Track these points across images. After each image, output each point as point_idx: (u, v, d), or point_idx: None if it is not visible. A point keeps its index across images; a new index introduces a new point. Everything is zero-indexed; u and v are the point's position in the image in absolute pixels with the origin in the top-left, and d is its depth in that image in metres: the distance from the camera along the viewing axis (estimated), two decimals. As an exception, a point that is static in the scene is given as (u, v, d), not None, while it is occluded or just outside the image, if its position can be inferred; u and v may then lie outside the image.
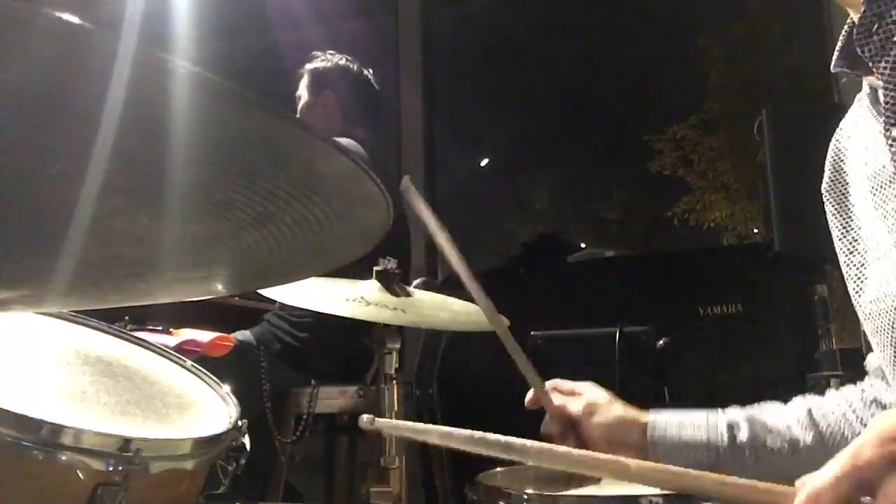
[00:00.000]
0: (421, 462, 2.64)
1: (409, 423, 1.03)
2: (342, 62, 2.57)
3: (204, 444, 0.98)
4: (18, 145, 0.40)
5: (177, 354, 1.26)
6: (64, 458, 0.82)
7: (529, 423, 1.13)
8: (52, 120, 0.37)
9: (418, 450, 2.62)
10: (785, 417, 1.00)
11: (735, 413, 1.02)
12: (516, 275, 3.76)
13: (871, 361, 1.01)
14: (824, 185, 1.01)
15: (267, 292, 1.50)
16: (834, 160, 0.99)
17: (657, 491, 1.00)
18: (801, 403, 1.02)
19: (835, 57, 0.87)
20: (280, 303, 2.19)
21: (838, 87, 2.88)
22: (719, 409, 1.03)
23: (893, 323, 0.84)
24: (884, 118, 0.81)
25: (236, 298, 2.47)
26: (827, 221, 1.01)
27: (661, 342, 2.49)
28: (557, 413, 1.06)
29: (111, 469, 0.84)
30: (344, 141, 2.38)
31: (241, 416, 1.08)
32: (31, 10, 0.29)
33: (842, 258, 0.97)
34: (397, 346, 1.55)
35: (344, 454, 2.50)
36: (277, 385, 2.22)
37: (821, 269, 2.33)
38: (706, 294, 2.99)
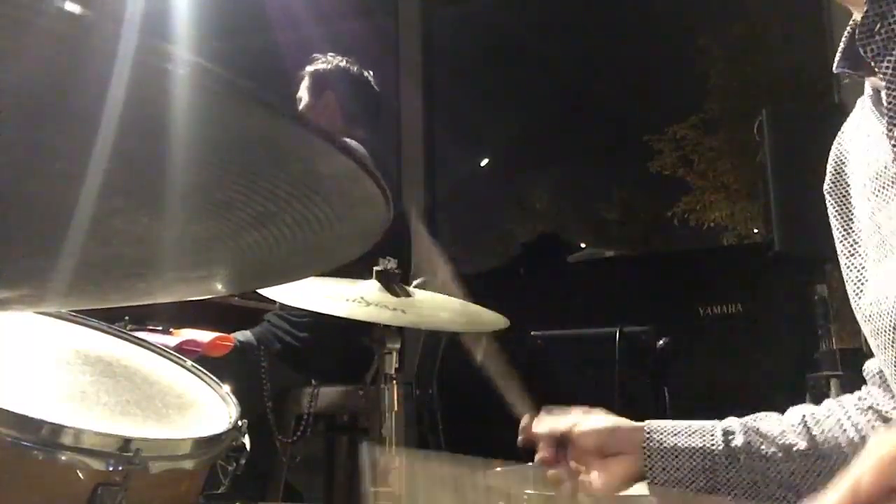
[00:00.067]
0: (421, 462, 2.64)
1: None
2: (342, 64, 2.58)
3: (204, 444, 0.98)
4: (18, 145, 0.40)
5: (177, 354, 1.26)
6: (64, 458, 0.82)
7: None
8: (52, 120, 0.37)
9: (418, 449, 2.62)
10: (780, 424, 1.00)
11: (732, 421, 1.02)
12: (516, 275, 3.76)
13: (870, 367, 1.01)
14: (826, 185, 1.00)
15: (267, 292, 1.50)
16: (835, 162, 0.99)
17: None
18: (797, 411, 1.02)
19: (837, 57, 0.87)
20: (280, 303, 2.20)
21: (838, 87, 2.88)
22: (716, 419, 1.02)
23: (894, 325, 0.84)
24: (886, 119, 0.80)
25: (236, 298, 2.47)
26: (827, 221, 1.01)
27: (661, 342, 2.49)
28: (547, 436, 1.06)
29: (111, 469, 0.85)
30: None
31: (241, 416, 1.08)
32: (31, 10, 0.29)
33: (843, 260, 0.97)
34: (397, 346, 1.55)
35: (344, 454, 2.50)
36: (278, 385, 2.22)
37: (821, 269, 2.33)
38: (706, 294, 2.99)
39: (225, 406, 1.13)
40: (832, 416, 0.99)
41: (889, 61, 0.78)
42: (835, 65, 0.88)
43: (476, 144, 12.04)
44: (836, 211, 0.98)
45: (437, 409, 2.64)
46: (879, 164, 0.85)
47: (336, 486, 2.50)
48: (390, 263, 1.53)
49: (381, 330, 1.53)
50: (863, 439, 0.95)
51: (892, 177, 0.83)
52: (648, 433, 1.00)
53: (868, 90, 0.89)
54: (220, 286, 0.68)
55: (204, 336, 1.85)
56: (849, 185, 0.96)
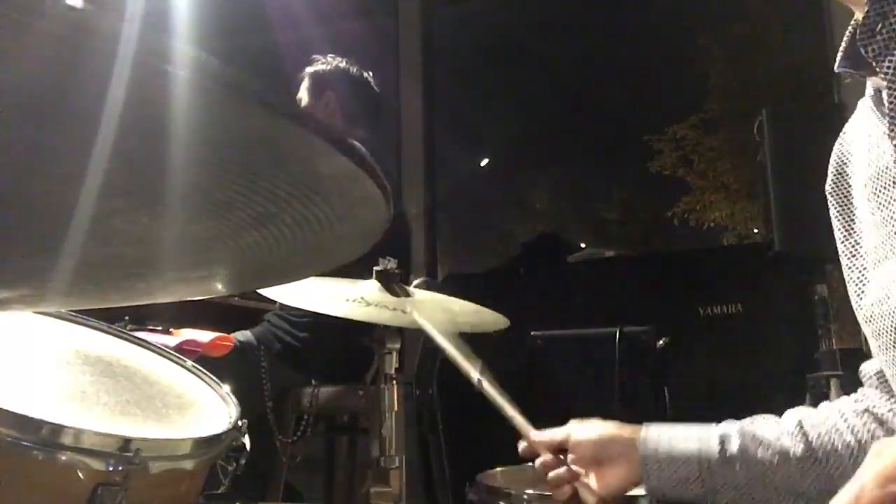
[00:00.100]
0: (421, 462, 2.64)
1: None
2: (342, 65, 2.59)
3: (204, 444, 0.98)
4: (19, 145, 0.40)
5: (177, 354, 1.26)
6: (64, 458, 0.82)
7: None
8: (53, 120, 0.37)
9: (418, 449, 2.62)
10: (776, 429, 0.99)
11: (727, 426, 1.01)
12: (516, 275, 3.76)
13: (866, 369, 1.01)
14: (828, 186, 1.00)
15: (267, 292, 1.50)
16: (837, 163, 0.99)
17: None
18: (793, 415, 1.02)
19: (839, 57, 0.87)
20: (280, 303, 2.20)
21: (839, 86, 2.88)
22: (712, 424, 1.02)
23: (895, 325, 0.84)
24: (888, 119, 0.80)
25: (236, 298, 2.47)
26: (828, 221, 1.01)
27: (661, 342, 2.49)
28: (546, 445, 1.06)
29: (111, 469, 0.85)
30: None
31: (241, 416, 1.09)
32: (31, 11, 0.29)
33: (844, 261, 0.97)
34: (397, 346, 1.55)
35: (344, 454, 2.50)
36: (278, 385, 2.22)
37: (821, 269, 2.33)
38: (706, 294, 2.99)
39: (225, 406, 1.13)
40: (828, 419, 0.99)
41: (890, 61, 0.78)
42: (836, 64, 0.88)
43: (476, 144, 12.04)
44: (838, 212, 0.98)
45: (437, 409, 2.64)
46: (880, 164, 0.85)
47: (336, 486, 2.50)
48: (390, 263, 1.53)
49: (381, 330, 1.53)
50: (859, 443, 0.95)
51: (894, 178, 0.83)
52: (644, 440, 1.00)
53: (869, 90, 0.89)
54: (220, 286, 0.68)
55: (204, 336, 1.85)
56: (850, 186, 0.96)
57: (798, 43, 9.88)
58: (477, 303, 1.57)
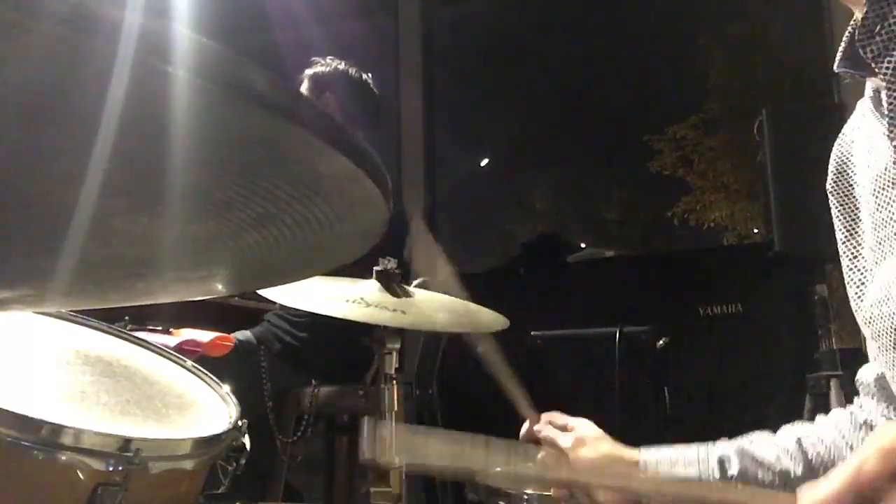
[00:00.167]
0: (421, 462, 2.64)
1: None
2: (341, 67, 2.60)
3: (204, 444, 0.98)
4: (19, 146, 0.40)
5: (177, 354, 1.26)
6: (64, 458, 0.82)
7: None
8: (53, 120, 0.37)
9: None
10: (775, 449, 0.99)
11: (725, 447, 1.01)
12: (516, 275, 3.76)
13: (863, 377, 1.00)
14: (829, 185, 1.00)
15: (267, 292, 1.50)
16: (838, 163, 0.99)
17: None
18: (791, 432, 1.01)
19: (838, 57, 0.87)
20: (280, 303, 2.20)
21: (839, 86, 2.88)
22: (710, 443, 1.02)
23: (895, 327, 0.84)
24: (887, 119, 0.80)
25: (236, 298, 2.48)
26: (828, 221, 1.01)
27: (661, 342, 2.49)
28: (549, 443, 1.06)
29: (111, 469, 0.85)
30: None
31: (241, 416, 1.09)
32: (31, 11, 0.29)
33: (845, 262, 0.97)
34: (397, 346, 1.55)
35: (344, 454, 2.50)
36: (278, 385, 2.22)
37: (821, 269, 2.32)
38: (706, 294, 2.99)
39: (225, 406, 1.13)
40: (827, 436, 0.99)
41: (889, 62, 0.78)
42: (835, 64, 0.88)
43: (476, 144, 12.04)
44: (840, 212, 0.98)
45: (437, 409, 2.64)
46: (879, 165, 0.85)
47: (336, 486, 2.50)
48: (390, 263, 1.53)
49: (381, 330, 1.53)
50: None
51: (892, 178, 0.83)
52: (644, 467, 1.01)
53: (868, 91, 0.89)
54: (220, 286, 0.68)
55: (204, 336, 1.85)
56: (852, 187, 0.96)
57: (798, 43, 9.87)
58: (477, 303, 1.57)
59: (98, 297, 0.73)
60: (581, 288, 3.30)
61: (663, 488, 0.86)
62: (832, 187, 0.99)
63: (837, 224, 0.99)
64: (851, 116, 0.97)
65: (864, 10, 0.79)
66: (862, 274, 0.92)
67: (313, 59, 2.63)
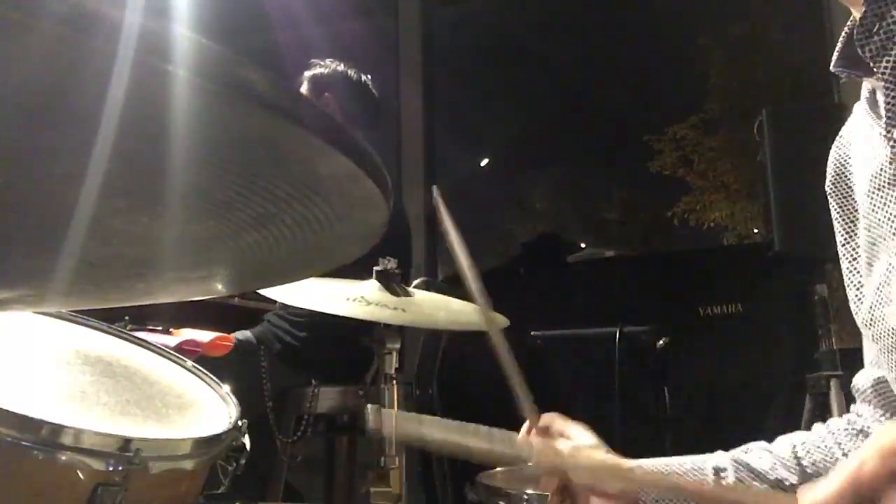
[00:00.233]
0: (421, 462, 2.64)
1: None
2: (340, 68, 2.61)
3: (204, 444, 0.98)
4: (18, 145, 0.40)
5: (177, 354, 1.26)
6: (64, 458, 0.83)
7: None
8: (52, 120, 0.37)
9: (418, 450, 2.62)
10: (770, 458, 0.99)
11: (721, 457, 1.01)
12: (516, 275, 3.76)
13: (859, 384, 1.00)
14: (828, 187, 1.00)
15: (267, 292, 1.50)
16: (837, 165, 0.99)
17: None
18: (787, 442, 1.01)
19: (835, 57, 0.87)
20: (280, 303, 2.20)
21: (838, 87, 2.88)
22: (706, 454, 1.02)
23: (894, 328, 0.84)
24: (885, 119, 0.80)
25: (236, 298, 2.48)
26: (828, 221, 1.01)
27: (661, 342, 2.49)
28: (545, 452, 1.06)
29: (111, 469, 0.85)
30: None
31: (241, 416, 1.09)
32: (31, 11, 0.29)
33: (844, 264, 0.97)
34: (397, 345, 1.55)
35: (344, 454, 2.50)
36: (278, 385, 2.22)
37: (821, 269, 2.32)
38: (706, 294, 2.99)
39: (225, 406, 1.13)
40: (822, 446, 0.99)
41: (887, 61, 0.78)
42: (832, 64, 0.88)
43: (476, 144, 12.04)
44: (839, 214, 0.98)
45: (437, 409, 2.64)
46: (875, 165, 0.85)
47: (336, 486, 2.50)
48: (390, 263, 1.53)
49: (381, 330, 1.53)
50: None
51: (889, 178, 0.83)
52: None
53: (864, 92, 0.89)
54: (220, 286, 0.68)
55: (204, 336, 1.85)
56: (851, 189, 0.96)
57: (798, 43, 9.87)
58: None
59: (98, 297, 0.73)
60: (581, 288, 3.30)
61: (660, 484, 0.86)
62: (831, 189, 0.99)
63: (837, 226, 0.99)
64: (850, 118, 0.97)
65: (863, 9, 0.79)
66: (861, 276, 0.92)
67: (312, 60, 2.64)
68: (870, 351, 0.97)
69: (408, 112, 3.99)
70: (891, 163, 0.81)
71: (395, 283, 1.53)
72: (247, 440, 1.08)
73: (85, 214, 0.45)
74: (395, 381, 1.54)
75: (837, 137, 1.00)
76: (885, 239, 0.84)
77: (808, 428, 1.04)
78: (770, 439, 1.03)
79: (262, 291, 1.53)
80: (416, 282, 2.27)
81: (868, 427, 0.97)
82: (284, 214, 0.48)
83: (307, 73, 2.62)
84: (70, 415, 0.89)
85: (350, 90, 2.59)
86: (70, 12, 0.30)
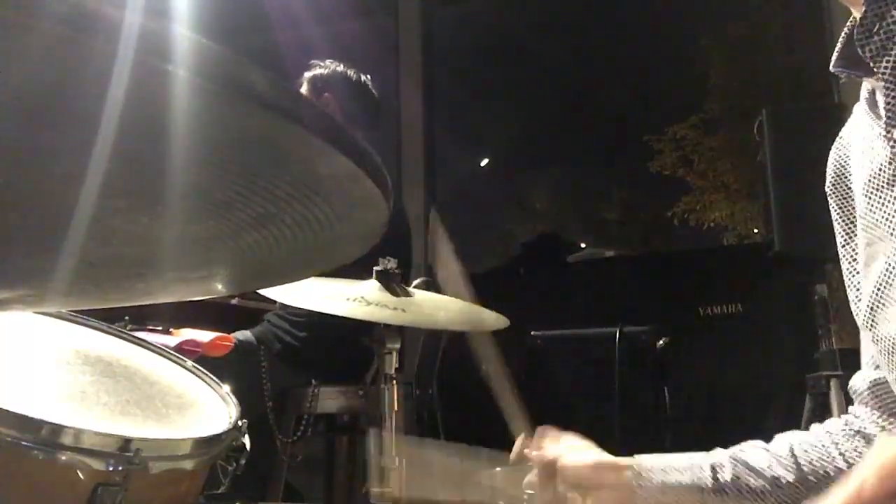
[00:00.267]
0: (421, 462, 2.64)
1: None
2: (340, 68, 2.61)
3: (204, 444, 0.98)
4: (18, 145, 0.40)
5: (177, 354, 1.26)
6: (64, 458, 0.83)
7: (527, 424, 1.14)
8: (52, 120, 0.37)
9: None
10: (767, 456, 1.00)
11: (718, 454, 1.02)
12: (516, 275, 3.76)
13: (856, 385, 1.00)
14: (828, 187, 1.00)
15: (267, 292, 1.50)
16: (836, 166, 0.99)
17: None
18: (784, 440, 1.01)
19: (834, 57, 0.87)
20: (280, 303, 2.20)
21: (838, 87, 2.88)
22: (703, 452, 1.03)
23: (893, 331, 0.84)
24: (885, 119, 0.80)
25: (236, 298, 2.48)
26: (828, 221, 1.01)
27: (661, 342, 2.49)
28: (538, 460, 1.06)
29: (111, 469, 0.85)
30: None
31: (241, 416, 1.09)
32: (31, 11, 0.29)
33: (845, 265, 0.97)
34: (397, 346, 1.55)
35: (344, 454, 2.50)
36: (278, 385, 2.22)
37: (821, 269, 2.33)
38: (706, 294, 2.99)
39: (225, 406, 1.13)
40: (820, 444, 0.99)
41: (888, 61, 0.78)
42: (832, 64, 0.88)
43: (476, 144, 12.04)
44: (839, 215, 0.98)
45: (438, 409, 2.64)
46: (874, 166, 0.85)
47: (336, 486, 2.50)
48: (390, 263, 1.53)
49: (381, 330, 1.53)
50: (851, 468, 0.94)
51: (889, 178, 0.82)
52: (638, 473, 1.01)
53: (864, 93, 0.89)
54: (220, 286, 0.68)
55: (204, 336, 1.85)
56: (850, 190, 0.96)
57: (798, 43, 9.87)
58: (477, 303, 1.57)
59: (98, 297, 0.73)
60: (581, 288, 3.30)
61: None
62: (831, 190, 0.99)
63: (837, 227, 0.99)
64: (849, 119, 0.98)
65: (863, 9, 0.79)
66: (861, 276, 0.92)
67: (312, 61, 2.65)
68: (867, 352, 0.97)
69: (408, 112, 3.99)
70: (890, 163, 0.81)
71: (395, 283, 1.53)
72: (247, 440, 1.08)
73: (85, 214, 0.45)
74: (395, 381, 1.54)
75: (837, 138, 1.00)
76: (884, 239, 0.84)
77: (808, 428, 1.05)
78: (770, 440, 1.03)
79: (262, 291, 1.53)
80: (416, 282, 2.27)
81: (865, 428, 0.97)
82: (284, 214, 0.48)
83: (307, 74, 2.62)
84: (70, 415, 0.89)
85: (350, 90, 2.59)
86: (70, 12, 0.30)
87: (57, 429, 0.82)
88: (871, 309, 0.87)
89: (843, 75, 0.88)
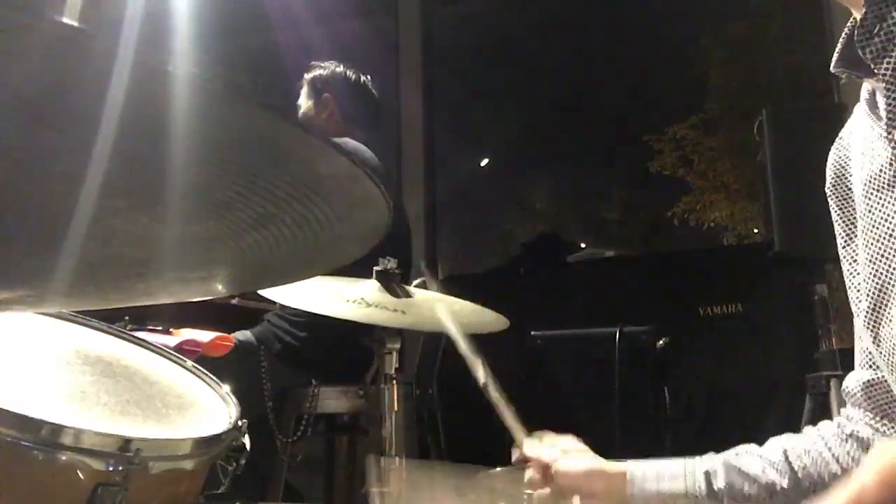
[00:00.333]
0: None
1: None
2: (340, 69, 2.62)
3: (204, 444, 0.98)
4: (19, 145, 0.40)
5: (177, 354, 1.26)
6: (64, 458, 0.83)
7: (527, 424, 1.14)
8: (52, 120, 0.37)
9: (418, 450, 2.63)
10: (761, 461, 1.00)
11: (712, 460, 1.02)
12: (516, 275, 3.76)
13: (851, 387, 1.00)
14: (828, 188, 1.00)
15: (267, 292, 1.50)
16: (836, 167, 0.99)
17: None
18: (777, 445, 1.01)
19: (835, 58, 0.87)
20: (280, 303, 2.20)
21: (838, 87, 2.87)
22: (696, 458, 1.03)
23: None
24: (885, 120, 0.80)
25: (236, 298, 2.48)
26: (828, 221, 1.01)
27: (661, 342, 2.49)
28: (536, 463, 1.07)
29: (111, 469, 0.85)
30: (347, 143, 2.41)
31: (241, 416, 1.09)
32: (31, 13, 0.29)
33: (845, 266, 0.97)
34: (397, 346, 1.55)
35: (344, 454, 2.50)
36: (278, 385, 2.22)
37: (821, 269, 2.32)
38: (706, 294, 2.99)
39: (225, 406, 1.13)
40: (813, 449, 0.99)
41: (888, 62, 0.78)
42: (832, 65, 0.88)
43: (476, 144, 12.03)
44: (839, 216, 0.98)
45: (437, 409, 2.64)
46: (874, 167, 0.85)
47: (336, 486, 2.50)
48: (390, 263, 1.53)
49: (381, 330, 1.53)
50: (845, 472, 0.94)
51: (890, 179, 0.82)
52: (631, 481, 1.01)
53: (864, 94, 0.89)
54: (220, 287, 0.68)
55: (204, 336, 1.85)
56: (851, 191, 0.96)
57: (798, 43, 9.86)
58: (477, 303, 1.57)
59: (98, 297, 0.73)
60: (581, 288, 3.30)
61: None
62: (831, 191, 0.99)
63: (837, 228, 0.99)
64: (849, 120, 0.97)
65: (863, 10, 0.79)
66: (861, 277, 0.92)
67: (312, 62, 2.65)
68: (861, 353, 0.97)
69: (408, 112, 3.99)
70: (891, 164, 0.81)
71: (395, 284, 1.53)
72: (247, 440, 1.08)
73: (85, 214, 0.45)
74: (395, 381, 1.54)
75: (837, 139, 1.00)
76: (884, 239, 0.84)
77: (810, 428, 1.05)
78: (770, 439, 1.03)
79: (262, 292, 1.53)
80: (416, 281, 2.27)
81: (858, 431, 0.97)
82: (284, 214, 0.48)
83: (307, 75, 2.63)
84: (70, 415, 0.89)
85: (350, 91, 2.60)
86: (71, 13, 0.30)
87: (57, 429, 0.82)
88: (873, 310, 0.87)
89: (844, 76, 0.88)
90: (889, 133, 0.80)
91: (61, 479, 0.83)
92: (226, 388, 1.17)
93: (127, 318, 1.62)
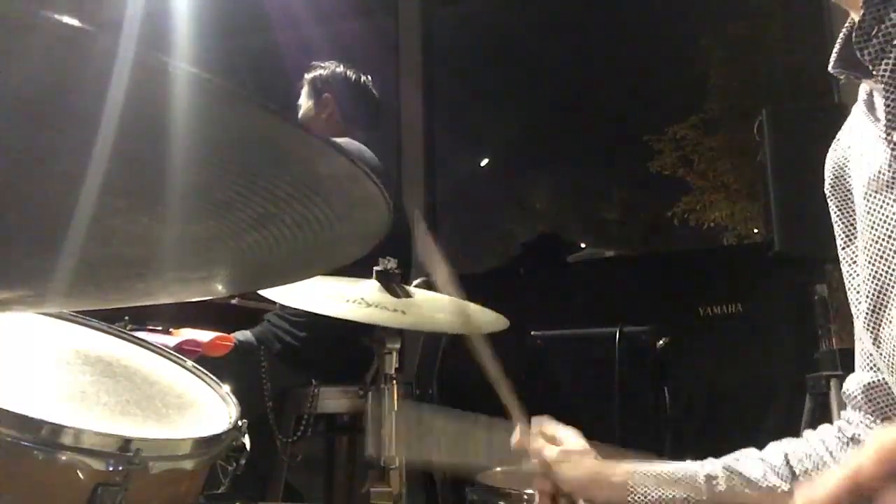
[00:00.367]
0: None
1: None
2: (340, 69, 2.62)
3: (204, 444, 0.98)
4: (18, 145, 0.40)
5: (177, 354, 1.26)
6: (64, 458, 0.83)
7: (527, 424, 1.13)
8: (52, 120, 0.37)
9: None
10: (761, 466, 1.00)
11: (713, 464, 1.02)
12: (516, 275, 3.76)
13: (851, 389, 0.99)
14: (827, 189, 1.00)
15: (267, 292, 1.50)
16: (835, 168, 0.99)
17: None
18: (779, 449, 1.01)
19: (833, 58, 0.87)
20: (280, 303, 2.20)
21: (838, 87, 2.88)
22: (697, 462, 1.03)
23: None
24: (885, 121, 0.80)
25: (236, 298, 2.48)
26: (828, 221, 1.01)
27: (661, 342, 2.49)
28: (536, 455, 1.07)
29: (111, 469, 0.85)
30: (349, 143, 2.42)
31: (241, 416, 1.09)
32: (31, 13, 0.29)
33: (845, 268, 0.97)
34: (397, 346, 1.55)
35: (344, 454, 2.50)
36: (278, 385, 2.22)
37: (821, 269, 2.32)
38: (706, 294, 2.99)
39: (225, 406, 1.13)
40: (814, 454, 0.99)
41: (886, 64, 0.78)
42: (830, 65, 0.88)
43: (476, 144, 12.03)
44: (839, 217, 0.98)
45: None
46: (873, 168, 0.85)
47: (336, 486, 2.50)
48: (390, 263, 1.53)
49: (381, 330, 1.53)
50: None
51: (889, 180, 0.82)
52: (632, 486, 1.01)
53: (862, 94, 0.89)
54: (220, 287, 0.68)
55: (204, 336, 1.85)
56: (850, 192, 0.96)
57: (798, 43, 9.86)
58: (477, 303, 1.57)
59: (98, 297, 0.73)
60: (581, 288, 3.30)
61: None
62: (830, 192, 0.99)
63: (837, 230, 0.98)
64: (847, 121, 0.97)
65: (861, 12, 0.78)
66: (861, 278, 0.92)
67: (313, 63, 2.65)
68: (861, 355, 0.97)
69: (408, 112, 3.99)
70: (890, 165, 0.81)
71: (394, 284, 1.53)
72: (247, 440, 1.08)
73: (85, 214, 0.45)
74: (395, 381, 1.53)
75: (835, 140, 1.00)
76: (884, 240, 0.84)
77: (809, 427, 1.05)
78: (770, 439, 1.03)
79: (262, 292, 1.53)
80: (416, 281, 2.27)
81: (858, 434, 0.97)
82: (284, 214, 0.48)
83: (307, 75, 2.63)
84: (70, 415, 0.89)
85: (350, 91, 2.60)
86: (71, 12, 0.30)
87: (57, 429, 0.82)
88: (873, 311, 0.86)
89: (842, 76, 0.88)
90: (888, 134, 0.80)
91: (61, 479, 0.83)
92: (226, 388, 1.17)
93: (127, 318, 1.62)
